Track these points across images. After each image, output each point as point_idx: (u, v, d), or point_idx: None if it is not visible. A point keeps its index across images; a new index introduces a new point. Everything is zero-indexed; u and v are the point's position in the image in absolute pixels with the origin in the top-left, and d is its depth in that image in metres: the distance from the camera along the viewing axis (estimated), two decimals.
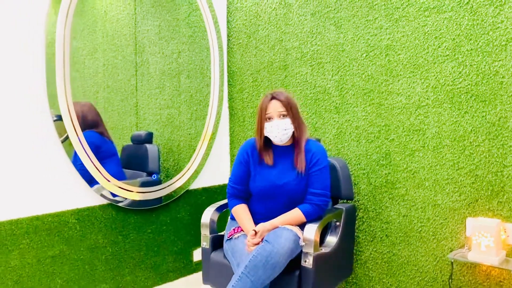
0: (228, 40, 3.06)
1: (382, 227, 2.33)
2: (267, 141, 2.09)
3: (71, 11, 2.16)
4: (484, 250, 1.88)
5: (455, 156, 2.07)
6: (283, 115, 2.00)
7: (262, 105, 2.03)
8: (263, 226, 1.93)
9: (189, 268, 2.81)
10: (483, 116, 1.98)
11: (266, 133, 2.03)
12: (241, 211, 2.07)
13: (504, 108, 1.92)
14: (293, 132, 2.03)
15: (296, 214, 1.96)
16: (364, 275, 2.42)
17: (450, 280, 2.08)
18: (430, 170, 2.15)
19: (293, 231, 1.87)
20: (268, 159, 2.06)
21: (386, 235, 2.32)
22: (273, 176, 2.03)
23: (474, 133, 2.01)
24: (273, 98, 2.03)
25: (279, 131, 1.99)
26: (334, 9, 2.47)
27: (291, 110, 2.01)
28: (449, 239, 2.10)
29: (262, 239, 1.88)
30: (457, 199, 2.07)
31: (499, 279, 1.96)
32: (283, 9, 2.72)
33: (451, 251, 2.08)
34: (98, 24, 2.36)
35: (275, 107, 2.01)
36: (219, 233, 2.25)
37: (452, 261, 2.03)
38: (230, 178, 2.15)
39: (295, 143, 2.06)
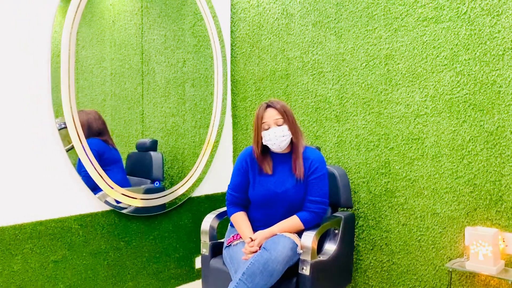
0: (232, 49, 3.10)
1: (382, 235, 2.34)
2: (265, 150, 2.11)
3: (76, 21, 2.21)
4: (482, 259, 1.87)
5: (454, 165, 2.07)
6: (280, 123, 2.03)
7: (258, 114, 2.06)
8: (261, 233, 1.95)
9: (191, 275, 2.84)
10: (481, 125, 1.98)
11: (265, 141, 2.05)
12: (240, 219, 2.09)
13: (501, 117, 1.92)
14: (291, 139, 2.06)
15: (294, 221, 1.98)
16: (364, 284, 2.42)
17: None
18: (429, 179, 2.15)
19: (291, 239, 1.88)
20: (267, 168, 2.08)
21: (386, 243, 2.32)
22: (272, 184, 2.05)
23: (472, 142, 2.01)
24: (268, 106, 2.05)
25: (277, 138, 2.01)
26: (335, 19, 2.50)
27: (287, 117, 2.03)
28: (448, 248, 2.10)
29: (260, 247, 1.90)
30: (456, 208, 2.07)
31: None
32: (285, 20, 2.76)
33: (450, 260, 2.08)
34: (106, 33, 2.41)
35: (271, 115, 2.03)
36: (219, 240, 2.27)
37: (451, 270, 2.02)
38: (229, 185, 2.18)
39: (293, 150, 2.08)
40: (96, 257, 2.33)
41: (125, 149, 2.52)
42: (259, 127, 2.05)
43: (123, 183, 2.46)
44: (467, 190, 2.03)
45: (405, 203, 2.24)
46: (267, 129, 2.03)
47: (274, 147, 2.05)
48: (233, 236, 2.08)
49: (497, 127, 1.94)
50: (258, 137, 2.07)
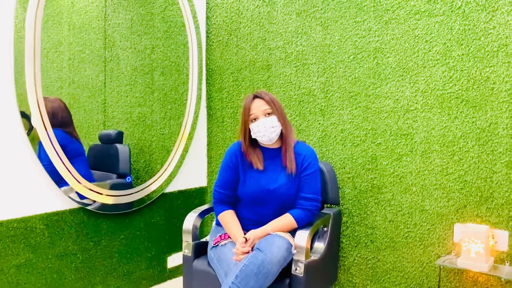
0: (207, 37, 2.94)
1: (367, 232, 2.29)
2: (254, 145, 1.99)
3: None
4: (473, 256, 1.87)
5: (444, 162, 2.05)
6: (269, 113, 1.91)
7: (245, 106, 1.94)
8: (254, 233, 1.83)
9: (163, 275, 2.66)
10: (473, 122, 1.97)
11: (253, 134, 1.93)
12: (228, 218, 1.96)
13: (494, 114, 1.92)
14: (281, 132, 1.95)
15: (287, 220, 1.87)
16: (348, 282, 2.37)
17: (438, 287, 2.06)
18: (418, 175, 2.12)
19: (286, 239, 1.78)
20: (258, 163, 1.96)
21: (371, 240, 2.28)
22: (264, 181, 1.94)
23: (463, 139, 2.00)
24: (255, 97, 1.94)
25: (267, 129, 1.89)
26: (321, 9, 2.41)
27: (275, 107, 1.92)
28: (436, 245, 2.09)
29: (252, 247, 1.79)
30: (445, 204, 2.06)
31: (486, 285, 1.96)
32: (267, 7, 2.63)
33: (438, 257, 2.07)
34: (64, 15, 2.18)
35: (259, 106, 1.92)
36: (201, 240, 2.12)
37: (441, 267, 2.01)
38: (216, 182, 2.04)
39: (283, 144, 1.98)
40: (62, 259, 2.11)
41: (84, 140, 2.31)
42: (246, 120, 1.93)
43: (88, 178, 2.25)
44: (457, 186, 2.02)
45: (392, 199, 2.20)
46: (255, 121, 1.92)
47: (263, 140, 1.93)
48: (220, 236, 1.95)
49: (490, 124, 1.93)
50: (245, 130, 1.95)
